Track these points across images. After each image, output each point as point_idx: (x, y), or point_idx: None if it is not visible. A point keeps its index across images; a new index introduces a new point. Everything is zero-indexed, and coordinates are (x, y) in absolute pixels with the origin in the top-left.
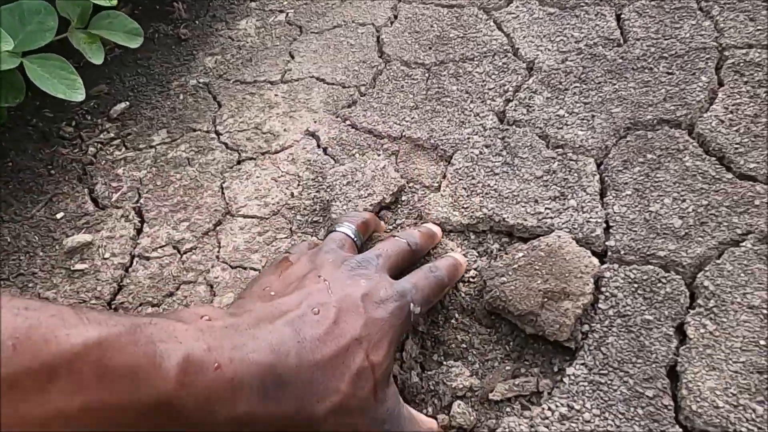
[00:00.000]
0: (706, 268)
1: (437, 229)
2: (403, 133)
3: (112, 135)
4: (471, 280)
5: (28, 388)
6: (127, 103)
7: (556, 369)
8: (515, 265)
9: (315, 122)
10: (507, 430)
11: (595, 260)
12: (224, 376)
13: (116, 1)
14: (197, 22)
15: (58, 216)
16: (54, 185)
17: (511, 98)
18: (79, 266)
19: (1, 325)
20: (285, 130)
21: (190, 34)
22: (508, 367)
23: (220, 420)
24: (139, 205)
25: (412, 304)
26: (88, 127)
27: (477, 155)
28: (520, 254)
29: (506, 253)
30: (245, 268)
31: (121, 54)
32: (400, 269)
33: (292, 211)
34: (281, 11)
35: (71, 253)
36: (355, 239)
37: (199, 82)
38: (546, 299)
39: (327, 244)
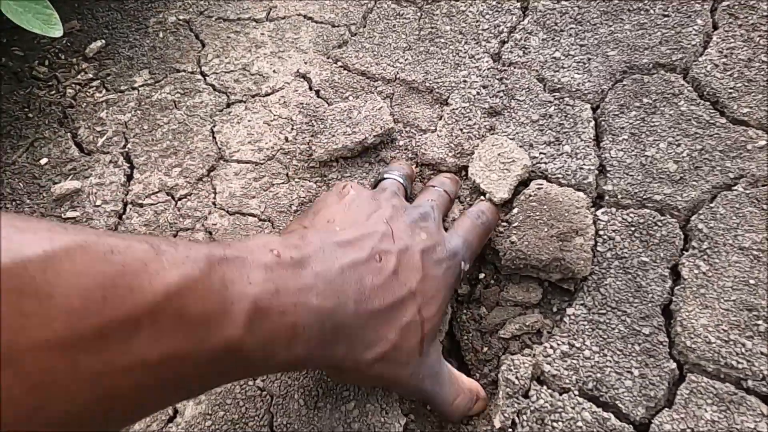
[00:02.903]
0: (700, 212)
1: (455, 176)
2: (397, 75)
3: (90, 75)
4: None
5: (114, 338)
6: (103, 41)
7: (555, 309)
8: (516, 223)
9: (305, 63)
10: (512, 367)
11: (582, 194)
12: (287, 321)
13: None
14: None
15: (42, 162)
16: (34, 129)
17: (506, 39)
18: (70, 214)
19: (92, 274)
20: (274, 71)
21: None
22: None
23: (278, 361)
24: (126, 150)
25: (463, 263)
26: (63, 66)
27: (474, 96)
28: (515, 210)
29: (503, 213)
30: (243, 215)
31: None
32: (444, 216)
33: (288, 156)
34: None
35: (60, 201)
36: (406, 186)
37: (178, 18)
38: (561, 242)
39: (388, 187)
